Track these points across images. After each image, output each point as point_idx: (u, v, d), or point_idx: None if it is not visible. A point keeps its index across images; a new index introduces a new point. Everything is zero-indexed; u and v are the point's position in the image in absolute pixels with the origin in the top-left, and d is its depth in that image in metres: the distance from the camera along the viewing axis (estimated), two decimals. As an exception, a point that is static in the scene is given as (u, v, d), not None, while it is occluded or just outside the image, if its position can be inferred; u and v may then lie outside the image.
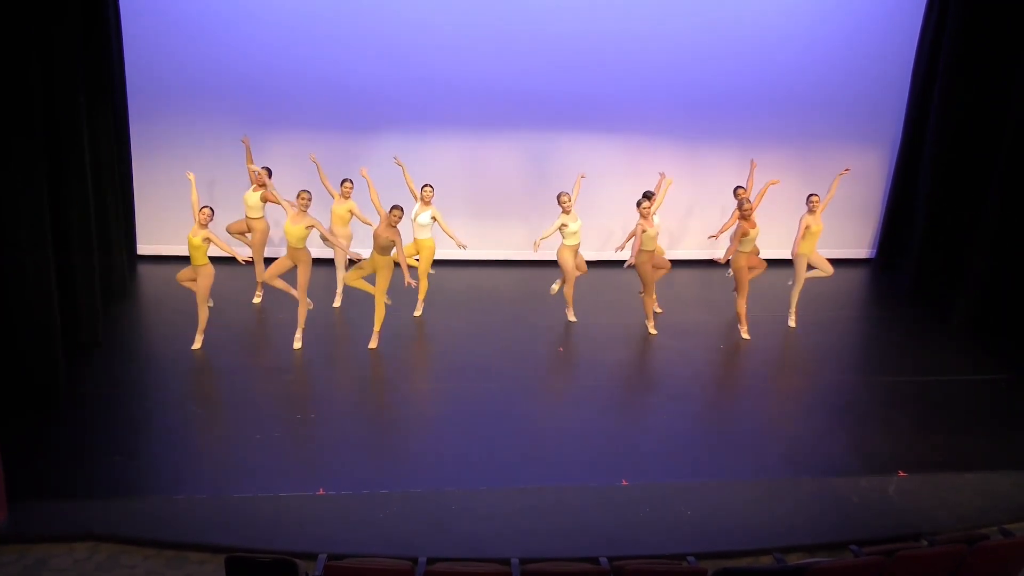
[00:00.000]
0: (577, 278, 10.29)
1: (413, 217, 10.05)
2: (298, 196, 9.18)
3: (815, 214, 10.09)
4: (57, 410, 7.93)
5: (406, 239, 9.88)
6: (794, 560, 6.32)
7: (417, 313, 10.39)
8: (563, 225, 10.01)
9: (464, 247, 10.14)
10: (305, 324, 9.47)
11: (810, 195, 10.16)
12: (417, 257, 10.26)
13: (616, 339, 10.09)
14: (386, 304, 9.59)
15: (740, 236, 9.76)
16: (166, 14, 11.00)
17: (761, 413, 8.69)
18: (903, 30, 11.97)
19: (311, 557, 6.03)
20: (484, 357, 9.50)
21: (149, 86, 11.20)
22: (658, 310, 10.81)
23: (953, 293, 10.92)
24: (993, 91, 10.63)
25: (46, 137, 7.90)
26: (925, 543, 6.15)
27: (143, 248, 11.77)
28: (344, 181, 10.23)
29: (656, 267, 10.13)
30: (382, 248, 9.19)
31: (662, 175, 10.43)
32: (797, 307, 10.59)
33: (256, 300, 10.58)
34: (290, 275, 9.49)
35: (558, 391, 9.08)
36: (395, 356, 9.47)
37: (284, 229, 9.20)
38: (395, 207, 9.13)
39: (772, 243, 11.42)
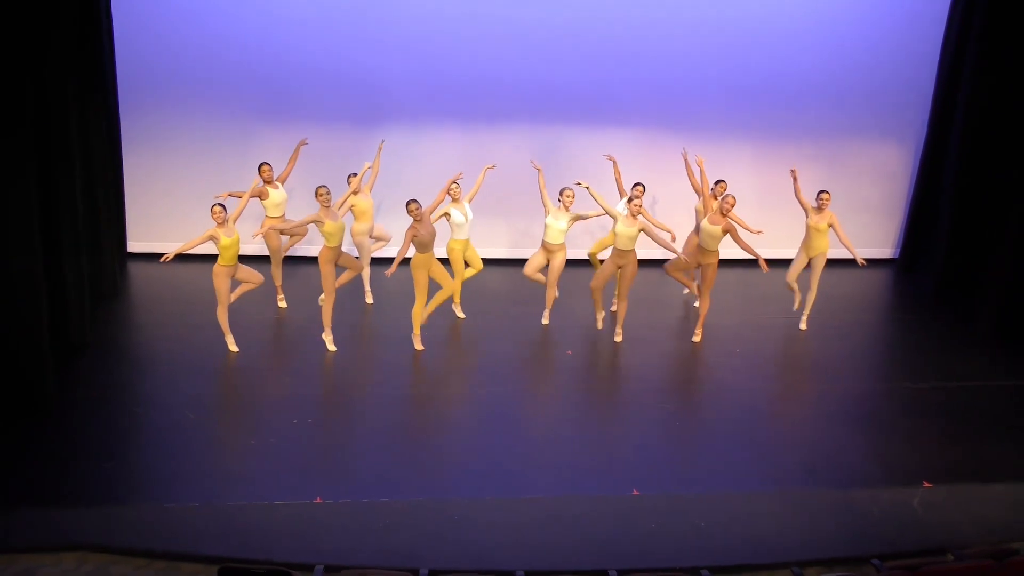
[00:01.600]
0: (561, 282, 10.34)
1: (464, 218, 10.03)
2: (317, 195, 9.15)
3: (821, 212, 10.04)
4: (45, 415, 7.93)
5: (442, 237, 9.95)
6: (812, 575, 6.31)
7: (461, 315, 10.48)
8: (547, 213, 9.94)
9: (492, 166, 10.25)
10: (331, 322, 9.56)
11: (821, 191, 10.09)
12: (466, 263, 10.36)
13: (627, 342, 10.07)
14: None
15: (702, 223, 9.70)
16: (158, 2, 11.01)
17: (778, 421, 8.67)
18: (928, 20, 11.93)
19: (308, 568, 6.03)
20: (488, 360, 9.50)
21: (141, 77, 11.20)
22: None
23: (980, 295, 10.88)
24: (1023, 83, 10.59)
25: (34, 132, 7.90)
26: (951, 558, 6.13)
27: (134, 246, 11.78)
28: (351, 176, 10.20)
29: (624, 275, 9.82)
30: (426, 245, 9.21)
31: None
32: (810, 304, 10.57)
33: (282, 305, 10.52)
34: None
35: (565, 396, 9.07)
36: (396, 359, 9.47)
37: (326, 232, 9.11)
38: (410, 201, 9.12)
39: (782, 242, 11.41)
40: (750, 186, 11.58)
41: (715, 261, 9.80)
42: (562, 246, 10.04)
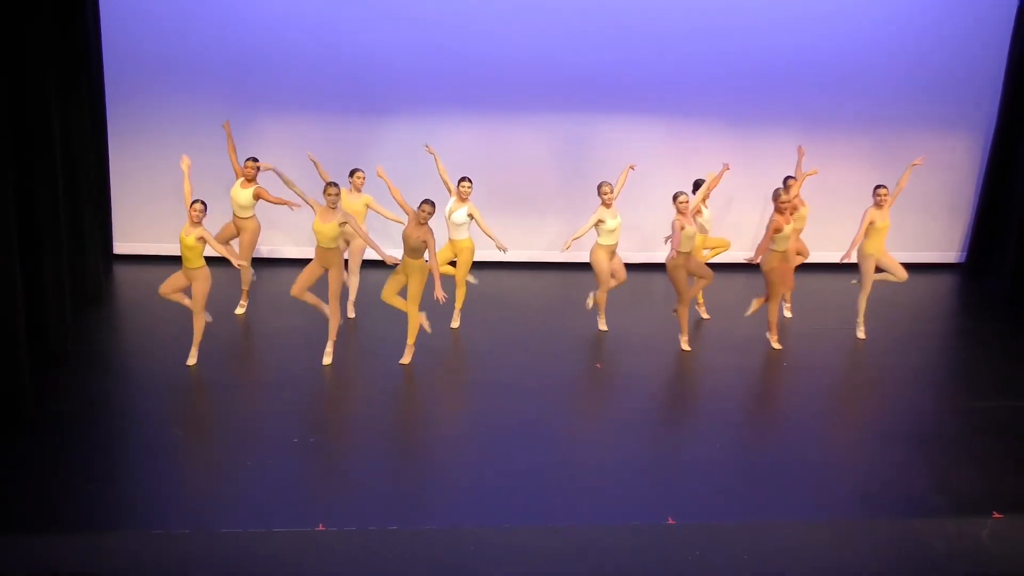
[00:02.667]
0: (612, 287, 10.26)
1: (448, 215, 10.06)
2: (325, 191, 9.17)
3: (882, 208, 10.03)
4: (21, 430, 7.97)
5: (440, 239, 9.80)
6: (869, 615, 6.25)
7: (454, 324, 10.41)
8: (600, 221, 9.98)
9: (505, 249, 10.15)
10: (336, 336, 9.52)
11: (878, 186, 10.08)
12: (453, 261, 10.31)
13: (661, 354, 10.04)
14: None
15: (772, 232, 9.67)
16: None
17: (829, 442, 8.60)
18: (999, -3, 11.86)
19: (308, 603, 6.03)
20: (510, 374, 9.48)
21: (129, 64, 11.30)
22: (705, 316, 10.78)
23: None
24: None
25: (11, 123, 7.95)
26: (1024, 597, 6.05)
27: (120, 247, 11.87)
28: (355, 171, 10.23)
29: (692, 274, 10.02)
30: (412, 250, 9.21)
31: (726, 167, 10.36)
32: (866, 315, 10.50)
33: (240, 311, 10.57)
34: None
35: (594, 413, 9.03)
36: (406, 372, 9.46)
37: (313, 229, 9.21)
38: (425, 202, 9.13)
39: (841, 243, 11.31)
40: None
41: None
42: (615, 246, 10.19)
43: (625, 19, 11.58)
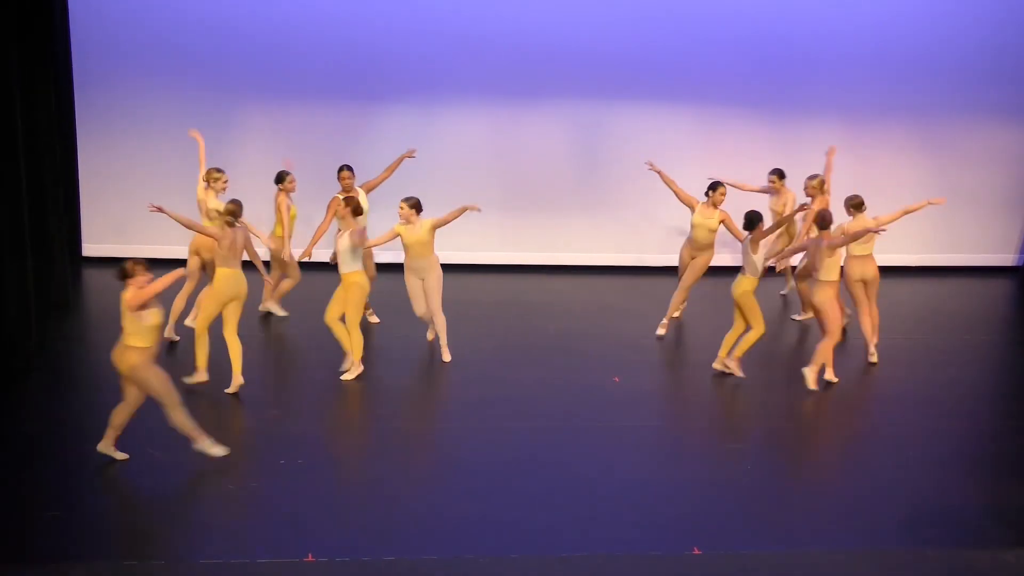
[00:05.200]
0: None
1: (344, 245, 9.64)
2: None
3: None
4: (-20, 452, 8.02)
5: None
6: (918, 655, 6.23)
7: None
8: (835, 250, 9.21)
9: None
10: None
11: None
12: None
13: (686, 367, 10.03)
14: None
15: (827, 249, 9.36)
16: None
17: (872, 464, 8.57)
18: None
19: (296, 641, 6.03)
20: (519, 389, 9.50)
21: (100, 47, 11.35)
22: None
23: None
24: None
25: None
26: (1091, 635, 6.02)
27: (89, 249, 11.90)
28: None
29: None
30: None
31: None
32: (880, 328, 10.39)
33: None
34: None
35: (611, 433, 9.01)
36: (406, 388, 9.49)
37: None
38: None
39: (883, 244, 11.32)
40: (836, 174, 11.47)
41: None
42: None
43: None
